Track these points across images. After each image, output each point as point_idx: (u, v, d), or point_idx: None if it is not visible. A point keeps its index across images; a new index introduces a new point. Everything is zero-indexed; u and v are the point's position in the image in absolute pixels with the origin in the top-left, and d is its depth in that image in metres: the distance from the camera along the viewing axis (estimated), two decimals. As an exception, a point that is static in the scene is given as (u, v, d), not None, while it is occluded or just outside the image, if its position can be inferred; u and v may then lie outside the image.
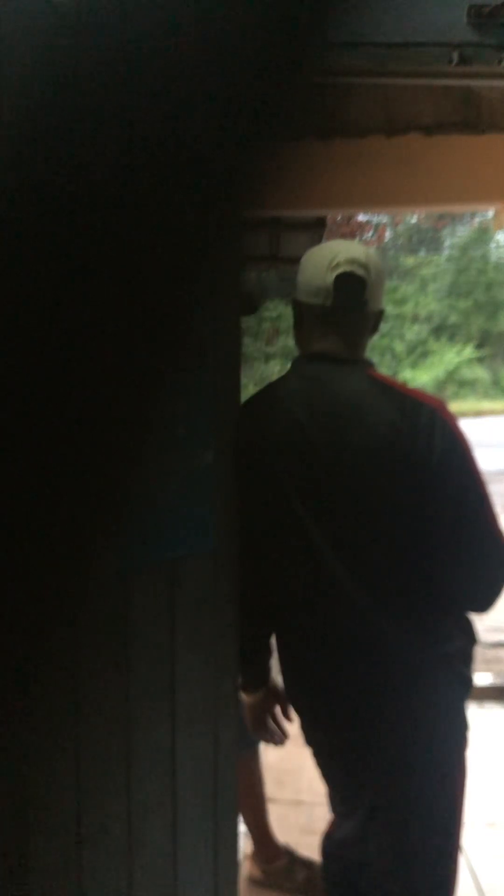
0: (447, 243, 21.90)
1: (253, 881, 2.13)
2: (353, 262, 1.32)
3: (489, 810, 2.43)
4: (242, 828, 2.02)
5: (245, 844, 2.18)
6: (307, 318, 1.39)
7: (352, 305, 1.33)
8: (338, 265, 1.32)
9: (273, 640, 1.47)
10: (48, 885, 1.13)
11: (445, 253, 21.85)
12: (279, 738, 1.56)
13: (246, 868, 2.15)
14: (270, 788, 2.60)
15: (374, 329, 1.40)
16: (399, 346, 20.50)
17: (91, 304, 1.13)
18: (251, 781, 2.07)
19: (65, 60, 1.07)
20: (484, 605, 1.31)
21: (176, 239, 1.21)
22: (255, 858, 2.15)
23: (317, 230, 3.23)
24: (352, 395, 1.31)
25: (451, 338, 20.95)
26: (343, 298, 1.33)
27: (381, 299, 1.39)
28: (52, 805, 1.14)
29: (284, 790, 2.57)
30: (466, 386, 19.83)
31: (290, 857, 2.13)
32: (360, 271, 1.32)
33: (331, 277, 1.32)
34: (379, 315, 1.40)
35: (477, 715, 3.02)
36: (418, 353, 20.58)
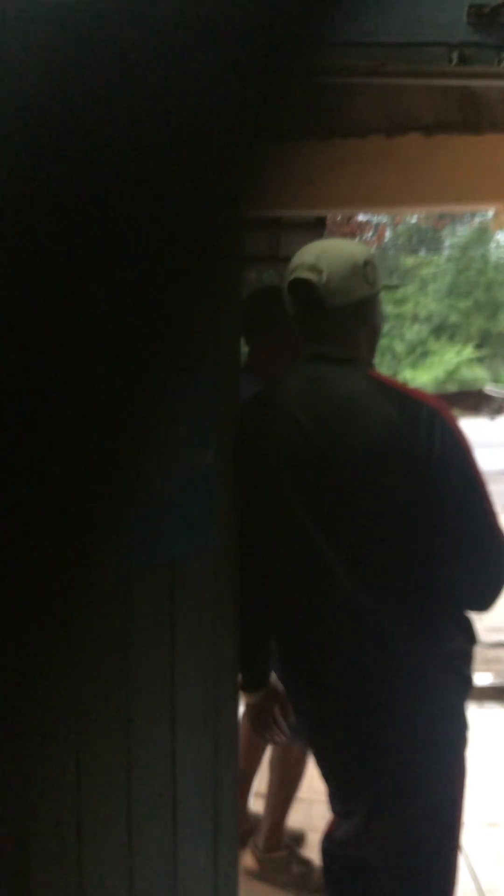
0: (447, 243, 21.89)
1: (248, 872, 2.11)
2: (301, 266, 1.35)
3: (489, 810, 2.43)
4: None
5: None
6: (294, 325, 1.43)
7: (308, 308, 1.36)
8: (291, 272, 1.37)
9: (273, 640, 1.47)
10: (48, 884, 1.13)
11: (445, 253, 21.85)
12: (279, 738, 1.56)
13: (244, 861, 2.14)
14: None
15: (365, 320, 1.38)
16: (399, 346, 20.50)
17: (91, 304, 1.13)
18: (294, 772, 2.09)
19: (64, 60, 1.07)
20: (484, 604, 1.31)
21: (176, 239, 1.21)
22: (255, 848, 2.16)
23: (317, 230, 3.23)
24: (351, 395, 1.31)
25: (451, 338, 20.95)
26: (299, 304, 1.37)
27: (353, 291, 1.35)
28: (53, 805, 1.14)
29: (284, 788, 2.58)
30: (466, 386, 19.82)
31: (290, 852, 2.14)
32: (305, 275, 1.34)
33: (285, 287, 1.38)
34: (360, 306, 1.36)
35: (477, 715, 3.02)
36: (418, 352, 20.59)
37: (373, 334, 1.41)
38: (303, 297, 1.36)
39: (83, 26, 1.07)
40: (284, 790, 2.11)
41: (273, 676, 1.53)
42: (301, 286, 1.35)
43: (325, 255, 1.35)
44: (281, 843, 2.14)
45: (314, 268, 1.34)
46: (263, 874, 2.10)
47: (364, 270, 1.35)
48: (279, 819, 2.14)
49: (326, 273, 1.33)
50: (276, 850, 2.12)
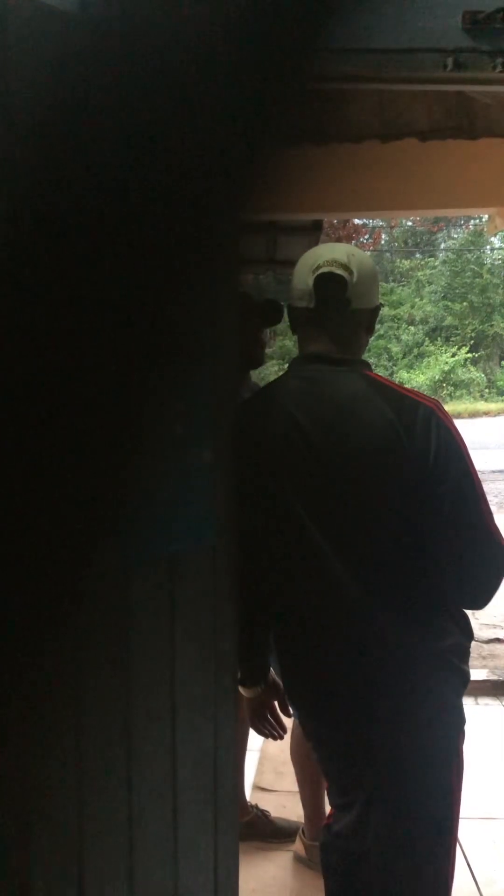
0: (442, 247, 21.98)
1: (298, 859, 2.21)
2: (332, 262, 1.34)
3: (485, 804, 2.45)
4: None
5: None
6: (299, 322, 1.42)
7: (333, 306, 1.35)
8: (318, 267, 1.35)
9: (271, 635, 1.48)
10: (49, 883, 1.14)
11: (440, 256, 21.92)
12: (278, 732, 1.58)
13: (294, 846, 2.25)
14: (269, 779, 2.64)
15: (369, 328, 1.42)
16: (395, 348, 20.55)
17: (91, 304, 1.14)
18: (314, 764, 2.13)
19: (68, 67, 1.09)
20: (479, 602, 1.32)
21: (176, 241, 1.23)
22: (302, 835, 2.22)
23: (313, 234, 3.25)
24: (349, 395, 1.33)
25: (447, 340, 21.01)
26: (324, 299, 1.36)
27: (372, 298, 1.40)
28: (53, 797, 1.15)
29: (283, 781, 2.61)
30: (462, 387, 19.89)
31: None
32: (339, 271, 1.34)
33: (311, 280, 1.35)
34: (372, 313, 1.41)
35: (473, 710, 3.04)
36: (414, 354, 20.63)
37: (366, 343, 1.45)
38: (330, 293, 1.35)
39: (84, 32, 1.10)
40: (309, 781, 2.16)
41: (271, 671, 1.55)
42: (330, 282, 1.34)
43: (354, 257, 1.37)
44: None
45: (346, 267, 1.34)
46: (310, 860, 2.17)
47: (377, 281, 1.40)
48: (316, 804, 2.18)
49: (356, 274, 1.35)
50: (317, 839, 2.17)
